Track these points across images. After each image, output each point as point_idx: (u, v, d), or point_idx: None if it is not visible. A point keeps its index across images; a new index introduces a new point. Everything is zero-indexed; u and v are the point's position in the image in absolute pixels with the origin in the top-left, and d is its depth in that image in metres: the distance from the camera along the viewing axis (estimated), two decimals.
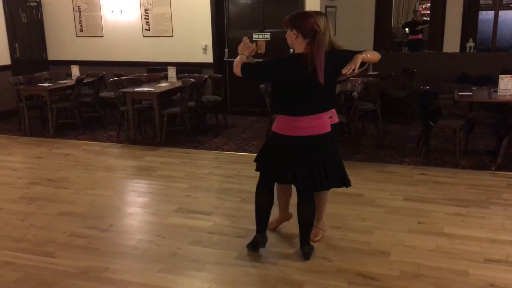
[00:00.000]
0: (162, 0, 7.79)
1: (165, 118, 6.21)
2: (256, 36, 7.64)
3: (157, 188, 4.66)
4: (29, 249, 3.41)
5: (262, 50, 7.64)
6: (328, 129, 2.97)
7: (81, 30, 8.41)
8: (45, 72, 7.70)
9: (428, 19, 10.38)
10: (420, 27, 10.22)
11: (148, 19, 7.95)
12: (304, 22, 2.84)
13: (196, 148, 6.05)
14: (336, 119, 3.12)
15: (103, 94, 7.53)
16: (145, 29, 8.01)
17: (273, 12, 7.55)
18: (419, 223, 3.72)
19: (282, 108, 2.99)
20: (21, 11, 8.17)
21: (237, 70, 2.98)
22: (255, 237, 3.29)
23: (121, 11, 8.01)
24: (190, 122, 6.57)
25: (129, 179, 5.02)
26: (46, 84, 6.94)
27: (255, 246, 3.27)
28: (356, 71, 2.88)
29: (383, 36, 8.30)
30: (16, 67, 8.00)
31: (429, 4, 11.46)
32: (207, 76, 6.93)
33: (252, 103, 7.88)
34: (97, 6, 8.18)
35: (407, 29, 10.53)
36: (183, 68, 7.37)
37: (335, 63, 2.90)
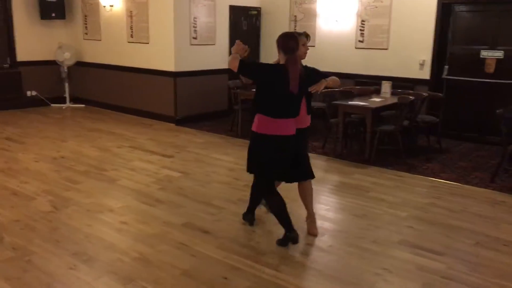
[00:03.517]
0: (381, 11, 7.47)
1: (377, 135, 5.85)
2: (484, 53, 6.80)
3: (373, 212, 4.33)
4: (254, 257, 3.39)
5: (491, 69, 6.75)
6: (294, 131, 3.43)
7: None
8: None
9: None
10: None
11: (363, 30, 7.70)
12: (284, 42, 3.32)
13: (408, 171, 5.56)
14: (307, 124, 3.71)
15: None
16: (359, 41, 7.78)
17: (510, 27, 6.61)
18: None
19: (262, 109, 3.37)
20: (243, 18, 8.69)
21: (234, 64, 3.29)
22: (289, 236, 3.54)
23: (337, 21, 7.92)
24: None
25: (341, 196, 4.79)
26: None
27: (295, 240, 3.55)
28: (318, 92, 3.57)
29: None
30: None
31: None
32: (426, 94, 6.36)
33: (468, 127, 7.09)
34: (313, 16, 8.23)
35: None
36: (394, 83, 6.91)
37: (308, 79, 3.42)
